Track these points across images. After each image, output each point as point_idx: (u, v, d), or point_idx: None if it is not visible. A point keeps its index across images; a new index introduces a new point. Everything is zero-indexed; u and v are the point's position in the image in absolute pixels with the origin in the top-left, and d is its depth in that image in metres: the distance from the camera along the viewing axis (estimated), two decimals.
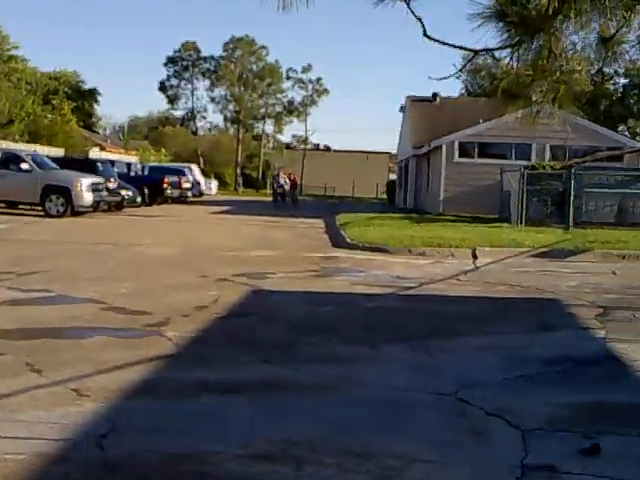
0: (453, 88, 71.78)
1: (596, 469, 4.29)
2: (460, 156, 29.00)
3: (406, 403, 5.60)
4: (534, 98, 4.78)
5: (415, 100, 39.50)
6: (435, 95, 39.28)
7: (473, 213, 26.03)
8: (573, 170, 21.34)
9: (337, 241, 18.68)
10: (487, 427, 5.08)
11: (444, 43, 4.40)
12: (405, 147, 38.41)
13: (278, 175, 46.23)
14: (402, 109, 44.10)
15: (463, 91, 69.24)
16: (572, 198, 21.15)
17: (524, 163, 25.11)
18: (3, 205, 24.23)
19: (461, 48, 4.48)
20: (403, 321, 8.90)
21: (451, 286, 11.80)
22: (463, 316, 9.24)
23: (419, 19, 4.36)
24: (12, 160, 23.84)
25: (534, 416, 5.30)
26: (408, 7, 4.32)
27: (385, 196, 57.04)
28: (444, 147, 29.19)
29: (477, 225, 22.04)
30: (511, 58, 4.75)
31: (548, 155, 27.82)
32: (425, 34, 4.41)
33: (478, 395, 5.76)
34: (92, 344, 7.22)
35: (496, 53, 4.70)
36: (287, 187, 44.41)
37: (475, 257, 15.24)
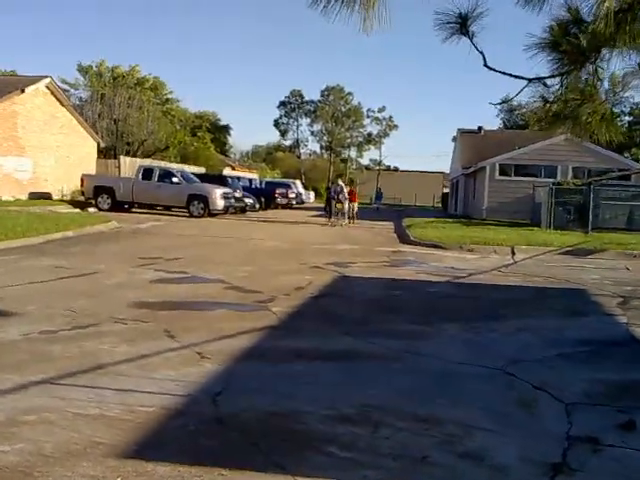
0: (493, 123, 69.64)
1: (636, 443, 3.63)
2: (500, 175, 27.78)
3: (462, 375, 5.02)
4: (583, 119, 4.09)
5: (464, 132, 38.20)
6: (480, 128, 37.93)
7: (510, 219, 24.84)
8: (592, 186, 20.07)
9: (403, 239, 18.00)
10: (534, 399, 4.45)
11: (502, 72, 3.82)
12: (456, 167, 37.19)
13: (335, 185, 25.49)
14: (454, 139, 43.05)
15: (501, 125, 66.83)
16: (591, 208, 19.87)
17: (551, 180, 23.80)
18: (160, 208, 24.54)
19: (516, 77, 3.86)
20: (456, 304, 8.24)
21: (495, 276, 11.02)
22: (506, 301, 8.53)
23: (481, 52, 3.79)
24: (167, 175, 24.11)
25: (573, 391, 4.65)
26: (471, 42, 3.75)
27: (439, 205, 55.82)
28: (488, 167, 28.00)
29: (514, 228, 20.89)
30: (561, 85, 4.08)
31: (570, 174, 26.35)
32: (485, 64, 3.83)
33: (523, 370, 5.13)
34: (215, 316, 6.89)
35: (547, 81, 4.04)
36: (344, 200, 24.36)
37: (513, 253, 14.32)
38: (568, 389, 4.65)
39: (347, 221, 23.86)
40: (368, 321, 6.89)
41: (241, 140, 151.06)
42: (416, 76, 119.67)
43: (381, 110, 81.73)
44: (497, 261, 13.23)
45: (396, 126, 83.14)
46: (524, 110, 66.13)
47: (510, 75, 3.80)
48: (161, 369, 4.79)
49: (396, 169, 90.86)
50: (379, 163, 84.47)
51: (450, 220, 26.68)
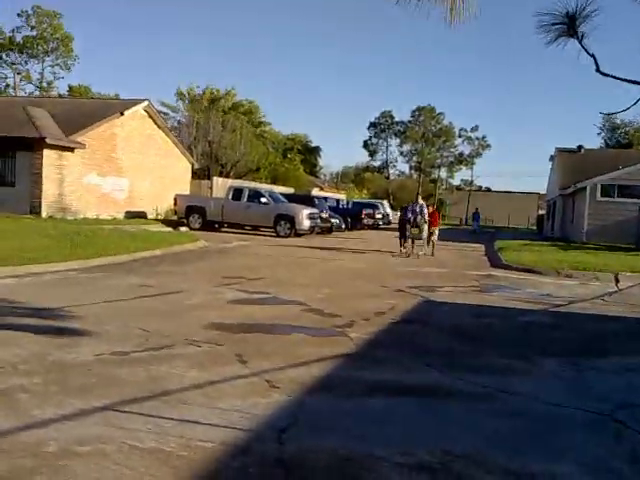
0: (594, 142, 66.17)
1: None
2: (602, 195, 26.03)
3: (562, 420, 4.39)
4: None
5: (562, 150, 36.33)
6: (580, 147, 35.96)
7: (612, 243, 23.12)
8: None
9: (494, 262, 17.08)
10: None
11: (617, 78, 3.27)
12: (553, 188, 35.38)
13: (413, 204, 19.31)
14: (551, 158, 41.07)
15: (602, 144, 63.42)
16: None
17: None
18: (249, 228, 24.83)
19: (634, 82, 3.28)
20: (554, 336, 7.49)
21: (597, 306, 10.05)
22: (610, 335, 7.67)
23: (592, 55, 3.27)
24: (256, 195, 24.38)
25: None
26: (580, 44, 3.24)
27: (534, 227, 53.48)
28: (588, 188, 26.33)
29: (617, 253, 19.39)
30: None
31: None
32: (598, 70, 3.30)
33: (634, 417, 4.43)
34: (290, 340, 6.58)
35: None
36: (423, 222, 18.57)
37: (617, 281, 13.15)
38: None
39: (425, 250, 18.57)
40: (455, 352, 6.33)
41: (331, 161, 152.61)
42: (511, 93, 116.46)
43: (474, 129, 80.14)
44: (599, 289, 12.15)
45: (489, 145, 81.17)
46: (628, 128, 62.49)
47: (626, 80, 3.24)
48: (227, 398, 4.50)
49: (488, 189, 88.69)
50: (470, 183, 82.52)
51: (546, 243, 25.27)
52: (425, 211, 18.51)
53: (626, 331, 8.06)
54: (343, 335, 6.88)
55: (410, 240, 18.44)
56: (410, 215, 18.33)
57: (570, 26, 3.25)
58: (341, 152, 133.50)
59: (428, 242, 18.93)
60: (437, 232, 19.56)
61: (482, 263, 17.29)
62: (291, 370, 5.33)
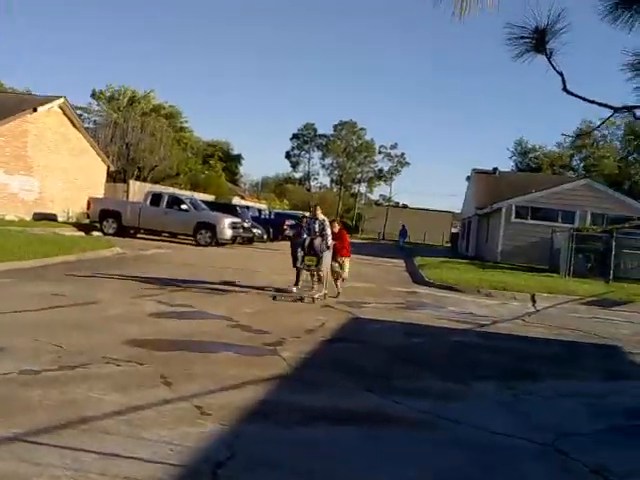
0: (506, 164, 69.20)
1: None
2: (516, 217, 27.06)
3: (508, 451, 4.28)
4: None
5: (479, 172, 37.65)
6: (495, 169, 37.38)
7: (526, 263, 24.00)
8: (614, 234, 19.36)
9: (416, 279, 17.27)
10: None
11: (584, 99, 3.20)
12: (469, 207, 36.54)
13: (309, 220, 12.22)
14: (468, 178, 42.58)
15: (514, 168, 66.45)
16: (613, 256, 19.10)
17: (569, 226, 23.11)
18: (166, 235, 23.98)
19: (601, 105, 3.22)
20: (486, 358, 7.46)
21: (519, 326, 10.23)
22: (538, 357, 7.76)
23: (560, 73, 3.18)
24: (175, 202, 23.58)
25: (636, 475, 3.90)
26: (549, 61, 3.14)
27: (448, 244, 55.15)
28: (504, 209, 27.31)
29: (531, 274, 20.12)
30: None
31: (589, 220, 25.58)
32: (565, 88, 3.21)
33: (575, 447, 4.38)
34: (219, 360, 6.19)
35: (637, 112, 3.40)
36: (325, 247, 11.54)
37: (534, 301, 13.55)
38: (630, 474, 3.92)
39: (324, 290, 11.42)
40: (391, 374, 6.16)
41: (251, 170, 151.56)
42: (429, 114, 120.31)
43: (393, 147, 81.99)
44: (518, 308, 12.47)
45: (408, 163, 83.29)
46: (538, 153, 65.67)
47: (593, 102, 3.17)
48: (154, 427, 4.08)
49: (405, 206, 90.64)
50: (389, 199, 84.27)
51: (463, 261, 25.94)
52: (328, 231, 11.58)
53: (551, 353, 8.18)
54: (275, 354, 6.57)
55: (303, 274, 11.87)
56: (305, 236, 11.70)
57: (539, 41, 3.15)
58: (261, 161, 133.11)
59: (335, 278, 12.03)
60: (347, 264, 12.32)
61: (404, 279, 17.44)
62: (222, 394, 4.96)
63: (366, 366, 6.44)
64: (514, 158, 69.40)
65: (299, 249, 11.51)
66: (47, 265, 12.26)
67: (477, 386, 5.98)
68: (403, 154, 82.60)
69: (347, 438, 4.25)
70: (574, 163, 68.07)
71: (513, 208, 27.31)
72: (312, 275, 11.67)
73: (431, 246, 55.05)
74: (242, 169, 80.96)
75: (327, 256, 11.58)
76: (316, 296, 10.98)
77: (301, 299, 10.81)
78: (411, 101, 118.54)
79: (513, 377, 6.48)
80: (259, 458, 3.73)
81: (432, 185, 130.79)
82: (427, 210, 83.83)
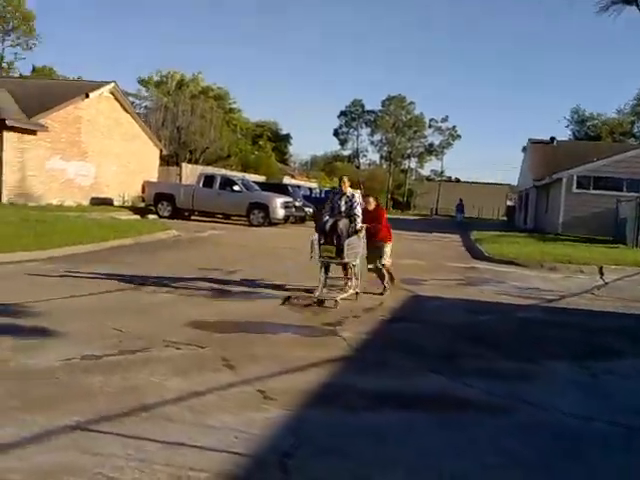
0: (563, 134, 66.66)
1: None
2: (577, 187, 25.96)
3: (591, 436, 3.97)
4: None
5: (535, 142, 36.27)
6: (552, 138, 35.92)
7: (588, 235, 23.03)
8: None
9: (475, 254, 16.76)
10: None
11: None
12: (526, 179, 35.32)
13: (337, 197, 9.02)
14: (524, 149, 41.24)
15: (571, 137, 64.00)
16: None
17: (635, 195, 21.92)
18: (220, 216, 24.09)
19: None
20: (556, 335, 7.07)
21: (589, 300, 9.72)
22: (613, 333, 7.30)
23: None
24: (227, 183, 23.62)
25: None
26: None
27: (504, 218, 53.78)
28: (564, 179, 26.22)
29: (595, 245, 19.22)
30: None
31: None
32: None
33: None
34: (279, 341, 6.06)
35: None
36: (352, 231, 8.62)
37: (602, 274, 12.91)
38: None
39: (356, 289, 8.64)
40: (457, 354, 5.88)
41: (300, 150, 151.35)
42: (482, 84, 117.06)
43: (444, 120, 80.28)
44: (586, 282, 11.87)
45: (459, 136, 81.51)
46: (596, 121, 63.13)
47: None
48: (218, 413, 3.95)
49: (458, 180, 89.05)
50: (441, 174, 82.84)
51: (521, 234, 25.13)
52: (357, 210, 8.78)
53: (627, 329, 7.71)
54: (335, 335, 6.38)
55: (324, 269, 8.57)
56: (328, 217, 8.89)
57: None
58: (310, 140, 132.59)
59: (377, 271, 9.31)
60: (389, 251, 9.40)
61: (462, 255, 16.96)
62: (285, 377, 4.80)
63: (430, 346, 6.18)
64: (571, 127, 66.91)
65: (317, 235, 8.46)
66: (105, 249, 12.40)
67: (550, 365, 5.64)
68: (454, 127, 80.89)
69: (417, 423, 4.03)
70: (635, 130, 65.06)
71: (574, 178, 26.20)
72: (327, 272, 8.55)
73: (486, 220, 53.83)
74: (291, 149, 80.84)
75: (356, 243, 8.52)
76: (340, 297, 8.01)
77: (319, 302, 7.92)
78: (461, 73, 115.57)
79: (588, 355, 6.10)
80: (326, 446, 3.54)
81: (485, 158, 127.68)
82: (481, 183, 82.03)
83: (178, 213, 23.02)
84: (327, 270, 8.58)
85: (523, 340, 6.71)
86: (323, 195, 36.42)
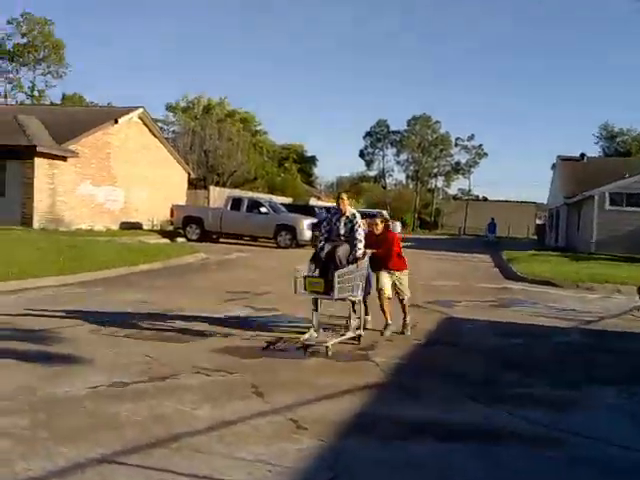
0: (592, 150, 65.73)
1: None
2: (610, 205, 25.43)
3: (638, 469, 3.71)
4: None
5: (565, 159, 35.71)
6: (583, 155, 35.36)
7: (623, 253, 22.49)
8: None
9: (507, 274, 16.42)
10: None
11: None
12: (556, 196, 34.74)
13: (334, 217, 7.43)
14: (553, 166, 40.63)
15: (600, 153, 63.07)
16: None
17: None
18: (248, 238, 24.12)
19: None
20: (597, 359, 6.78)
21: (629, 322, 9.38)
22: None
23: None
24: (255, 205, 23.71)
25: None
26: None
27: (534, 236, 52.98)
28: (596, 197, 25.70)
29: (632, 264, 18.71)
30: None
31: None
32: None
33: None
34: (308, 366, 5.89)
35: None
36: (352, 258, 7.05)
37: None
38: None
39: (358, 331, 6.91)
40: (496, 380, 5.65)
41: (325, 171, 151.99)
42: (508, 102, 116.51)
43: (470, 138, 79.84)
44: (624, 302, 11.45)
45: (486, 154, 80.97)
46: (626, 137, 62.21)
47: None
48: (249, 444, 3.80)
49: (485, 199, 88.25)
50: (468, 192, 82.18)
51: (554, 253, 24.62)
52: (360, 232, 7.22)
53: None
54: (367, 359, 6.21)
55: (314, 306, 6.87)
56: (323, 242, 7.36)
57: None
58: (335, 162, 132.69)
59: (382, 304, 7.65)
60: (405, 281, 7.89)
61: (494, 275, 16.62)
62: (316, 406, 4.63)
63: (466, 371, 5.95)
64: (600, 143, 65.98)
65: (303, 266, 6.98)
66: (134, 273, 12.42)
67: (594, 392, 5.38)
68: (481, 145, 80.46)
69: (456, 456, 3.82)
70: None
71: (607, 195, 25.66)
72: (316, 306, 6.83)
73: (515, 239, 53.04)
74: (316, 170, 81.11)
75: (353, 274, 6.85)
76: (333, 343, 6.28)
77: (305, 348, 6.31)
78: (487, 90, 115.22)
79: (634, 381, 5.80)
80: None
81: (513, 176, 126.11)
82: (508, 202, 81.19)
83: (206, 236, 23.11)
84: (316, 307, 6.79)
85: (563, 364, 6.44)
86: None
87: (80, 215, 22.46)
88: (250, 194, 32.97)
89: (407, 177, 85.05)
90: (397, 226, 53.80)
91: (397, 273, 7.76)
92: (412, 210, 77.82)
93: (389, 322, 7.55)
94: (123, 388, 4.80)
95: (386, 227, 7.92)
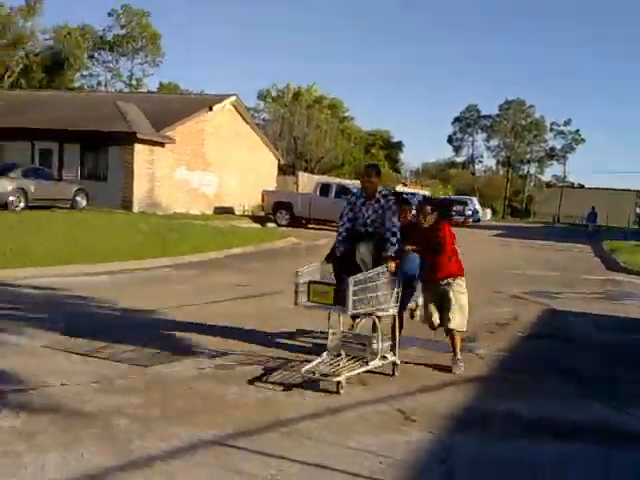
0: None
1: None
2: None
3: None
4: None
5: None
6: None
7: None
8: None
9: (610, 265, 15.54)
10: None
11: None
12: None
13: (357, 199, 5.39)
14: None
15: None
16: None
17: None
18: (336, 224, 24.10)
19: None
20: None
21: None
22: None
23: None
24: (343, 191, 23.62)
25: None
26: None
27: (635, 226, 50.03)
28: None
29: None
30: None
31: None
32: None
33: None
34: (408, 355, 5.71)
35: None
36: (366, 250, 5.25)
37: None
38: None
39: (381, 352, 4.87)
40: (610, 377, 5.31)
41: (410, 157, 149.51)
42: (606, 85, 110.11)
43: (566, 123, 76.27)
44: None
45: (583, 140, 77.12)
46: None
47: None
48: (357, 433, 3.74)
49: (581, 186, 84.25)
50: (563, 179, 78.62)
51: None
52: (394, 222, 5.17)
53: None
54: (469, 351, 5.98)
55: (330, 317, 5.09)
56: (343, 235, 5.52)
57: None
58: (420, 148, 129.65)
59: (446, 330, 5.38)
60: (463, 285, 5.38)
61: (595, 266, 15.77)
62: (422, 396, 4.51)
63: (575, 366, 5.63)
64: None
65: (305, 268, 5.09)
66: (229, 256, 12.69)
67: None
68: (578, 131, 76.68)
69: (575, 457, 3.59)
70: None
71: None
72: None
73: (615, 228, 50.23)
74: (402, 156, 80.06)
75: (376, 282, 4.85)
76: (347, 377, 4.56)
77: (287, 388, 4.52)
78: (585, 72, 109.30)
79: None
80: (479, 478, 3.21)
81: (611, 163, 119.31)
82: (607, 189, 77.09)
83: (296, 221, 23.32)
84: (333, 323, 5.11)
85: None
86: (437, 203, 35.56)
87: (176, 199, 23.23)
88: (338, 180, 32.99)
89: (497, 163, 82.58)
90: (487, 214, 52.48)
91: (454, 280, 5.26)
92: (502, 197, 75.49)
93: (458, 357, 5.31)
94: (229, 371, 4.86)
95: (439, 220, 5.35)
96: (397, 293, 5.06)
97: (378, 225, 5.26)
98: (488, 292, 10.01)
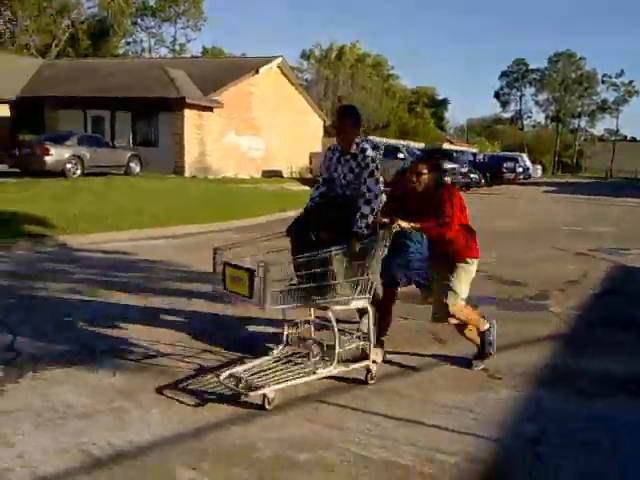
0: None
1: None
2: None
3: None
4: None
5: None
6: None
7: None
8: None
9: None
10: None
11: None
12: None
13: (335, 150, 4.11)
14: None
15: None
16: None
17: None
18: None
19: None
20: None
21: None
22: None
23: None
24: (392, 150, 23.47)
25: None
26: None
27: None
28: None
29: None
30: None
31: None
32: None
33: None
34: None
35: None
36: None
37: None
38: None
39: (374, 361, 3.87)
40: None
41: (455, 114, 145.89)
42: None
43: (619, 75, 73.16)
44: None
45: (637, 92, 73.85)
46: None
47: None
48: (443, 390, 3.76)
49: (635, 139, 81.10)
50: (615, 133, 75.82)
51: None
52: (371, 184, 3.98)
53: None
54: (543, 309, 5.92)
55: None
56: (314, 195, 4.48)
57: None
58: (464, 104, 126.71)
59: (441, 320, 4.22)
60: (467, 277, 4.16)
61: None
62: (505, 355, 4.46)
63: None
64: None
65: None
66: (282, 219, 12.73)
67: None
68: (632, 82, 73.39)
69: None
70: None
71: None
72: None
73: None
74: (447, 114, 78.35)
75: (341, 264, 3.71)
76: (274, 389, 3.42)
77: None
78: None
79: None
80: (572, 436, 3.21)
81: None
82: None
83: None
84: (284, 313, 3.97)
85: None
86: (486, 160, 34.81)
87: (226, 164, 23.39)
88: (383, 140, 32.59)
89: (546, 118, 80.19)
90: (538, 170, 51.05)
91: (463, 264, 4.10)
92: (552, 152, 73.40)
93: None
94: None
95: (438, 182, 4.06)
96: (370, 279, 3.75)
97: (356, 188, 4.07)
98: (549, 249, 9.86)
